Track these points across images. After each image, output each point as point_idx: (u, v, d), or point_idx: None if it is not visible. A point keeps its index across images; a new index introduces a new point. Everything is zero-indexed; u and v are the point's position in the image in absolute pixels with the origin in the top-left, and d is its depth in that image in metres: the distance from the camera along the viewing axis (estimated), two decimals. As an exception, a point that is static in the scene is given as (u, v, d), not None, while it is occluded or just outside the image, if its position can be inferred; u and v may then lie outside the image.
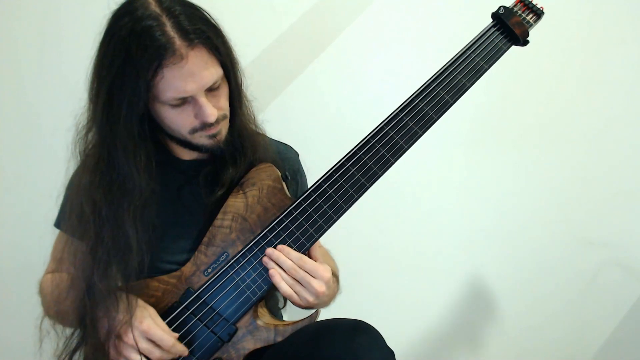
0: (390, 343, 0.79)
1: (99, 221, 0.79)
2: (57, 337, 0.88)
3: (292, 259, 0.83)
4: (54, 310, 0.88)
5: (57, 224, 0.96)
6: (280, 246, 0.85)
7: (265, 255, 0.85)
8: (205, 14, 0.79)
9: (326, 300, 0.87)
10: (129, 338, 0.78)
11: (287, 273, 0.83)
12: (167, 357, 0.81)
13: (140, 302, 0.83)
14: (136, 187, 0.80)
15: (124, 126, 0.77)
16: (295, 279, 0.83)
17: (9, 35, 1.25)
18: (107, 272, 0.79)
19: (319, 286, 0.82)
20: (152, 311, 0.83)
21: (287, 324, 0.85)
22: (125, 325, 0.78)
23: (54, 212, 0.97)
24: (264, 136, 0.98)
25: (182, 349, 0.82)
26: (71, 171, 0.91)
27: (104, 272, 0.79)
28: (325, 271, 0.84)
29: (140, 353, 0.79)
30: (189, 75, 0.75)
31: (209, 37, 0.76)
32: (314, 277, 0.83)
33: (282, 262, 0.83)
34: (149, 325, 0.80)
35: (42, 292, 0.93)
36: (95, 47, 0.78)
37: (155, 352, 0.80)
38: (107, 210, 0.79)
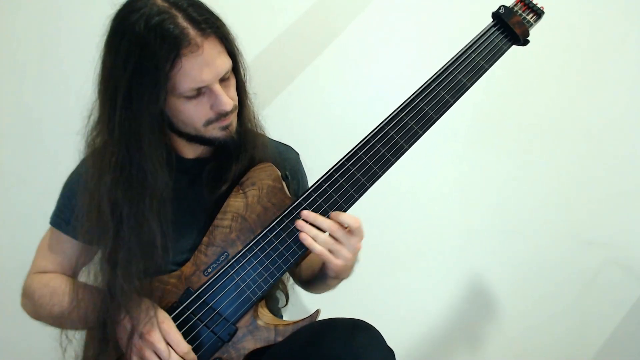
0: (390, 342, 0.79)
1: (120, 221, 0.79)
2: (57, 339, 0.88)
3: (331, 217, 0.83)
4: (47, 312, 0.88)
5: (53, 222, 0.93)
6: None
7: (299, 219, 0.83)
8: (208, 7, 0.80)
9: (353, 265, 0.88)
10: (151, 336, 0.78)
11: (326, 231, 0.82)
12: None
13: (155, 304, 0.83)
14: (158, 182, 0.79)
15: (146, 122, 0.77)
16: (333, 238, 0.82)
17: (9, 35, 1.25)
18: (129, 272, 0.78)
19: (357, 242, 0.83)
20: (167, 314, 0.83)
21: (288, 324, 0.85)
22: (149, 324, 0.79)
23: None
24: (263, 135, 0.98)
25: (193, 357, 0.82)
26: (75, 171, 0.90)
27: (126, 273, 0.78)
28: (362, 227, 0.84)
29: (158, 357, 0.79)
30: (205, 65, 0.76)
31: (218, 26, 0.78)
32: (352, 234, 0.83)
33: (320, 223, 0.82)
34: (169, 326, 0.80)
35: (31, 293, 0.91)
36: (101, 48, 0.78)
37: (172, 356, 0.79)
38: (129, 209, 0.78)
